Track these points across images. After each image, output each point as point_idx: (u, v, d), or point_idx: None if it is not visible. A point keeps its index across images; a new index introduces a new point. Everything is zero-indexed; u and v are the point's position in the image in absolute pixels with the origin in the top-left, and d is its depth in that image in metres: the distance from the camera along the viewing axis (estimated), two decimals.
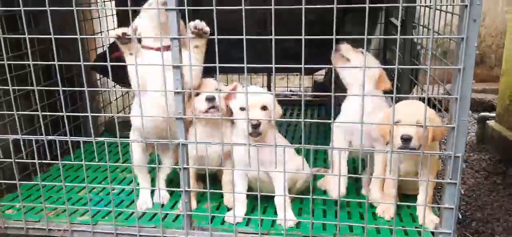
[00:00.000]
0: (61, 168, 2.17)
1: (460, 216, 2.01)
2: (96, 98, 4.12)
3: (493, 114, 5.05)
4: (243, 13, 1.82)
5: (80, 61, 2.01)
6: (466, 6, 1.68)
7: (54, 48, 1.97)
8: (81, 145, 2.14)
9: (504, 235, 3.36)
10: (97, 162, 2.12)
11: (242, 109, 2.21)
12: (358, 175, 2.56)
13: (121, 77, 4.15)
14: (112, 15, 3.89)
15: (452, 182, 1.91)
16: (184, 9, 1.87)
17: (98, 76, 4.00)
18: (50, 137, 2.16)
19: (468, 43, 1.72)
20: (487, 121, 5.03)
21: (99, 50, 3.90)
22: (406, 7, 3.14)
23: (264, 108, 2.19)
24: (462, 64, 1.75)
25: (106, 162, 2.13)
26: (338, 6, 1.75)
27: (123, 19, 4.08)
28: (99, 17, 3.74)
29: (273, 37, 1.86)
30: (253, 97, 2.15)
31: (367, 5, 1.69)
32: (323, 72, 4.72)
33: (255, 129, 2.12)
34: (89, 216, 2.28)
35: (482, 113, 5.23)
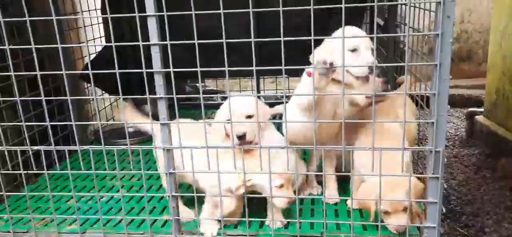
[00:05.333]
0: (47, 178, 2.17)
1: (444, 210, 2.03)
2: (85, 108, 4.12)
3: (481, 109, 5.10)
4: (222, 18, 1.84)
5: (64, 71, 2.02)
6: (440, 3, 1.71)
7: (36, 59, 1.98)
8: (66, 155, 2.14)
9: (493, 228, 3.39)
10: (83, 171, 2.12)
11: (228, 120, 2.24)
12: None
13: (110, 86, 4.22)
14: (98, 23, 3.89)
15: (434, 176, 1.94)
16: (163, 15, 1.88)
17: (86, 85, 4.02)
18: (35, 148, 2.17)
19: (444, 39, 1.75)
20: (476, 117, 5.08)
21: (87, 60, 3.91)
22: (388, 6, 3.19)
23: (249, 117, 2.21)
24: (438, 59, 1.78)
25: (95, 170, 2.13)
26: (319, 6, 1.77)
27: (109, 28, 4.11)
28: (84, 27, 3.73)
29: (252, 40, 1.89)
30: (237, 108, 2.19)
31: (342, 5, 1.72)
32: None
33: (242, 140, 2.16)
34: (77, 225, 2.28)
35: (470, 109, 5.28)
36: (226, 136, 2.27)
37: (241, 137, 2.16)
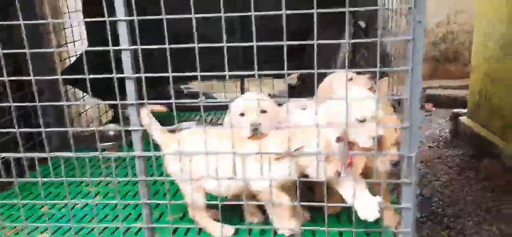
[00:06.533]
0: (16, 187, 2.13)
1: (418, 215, 2.02)
2: (66, 110, 4.06)
3: (465, 110, 5.12)
4: (194, 23, 1.82)
5: (42, 76, 1.99)
6: (411, 8, 1.69)
7: (3, 62, 1.94)
8: (36, 162, 2.10)
9: (474, 230, 3.40)
10: (52, 178, 2.07)
11: (241, 114, 2.23)
12: None
13: (91, 88, 4.16)
14: (78, 25, 3.84)
15: (408, 182, 1.92)
16: (134, 20, 1.85)
17: (68, 87, 3.97)
18: (3, 155, 2.12)
19: (415, 44, 1.74)
20: (460, 118, 5.10)
21: (68, 62, 3.87)
22: (368, 11, 3.18)
23: (262, 111, 2.19)
24: (410, 65, 1.76)
25: (66, 178, 2.08)
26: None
27: (91, 31, 4.07)
28: (63, 29, 3.70)
29: (225, 44, 1.86)
30: (252, 103, 2.19)
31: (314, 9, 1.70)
32: (295, 76, 4.74)
33: (255, 132, 2.14)
34: (49, 233, 2.23)
35: (454, 110, 5.31)
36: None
37: (255, 129, 2.14)
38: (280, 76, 4.76)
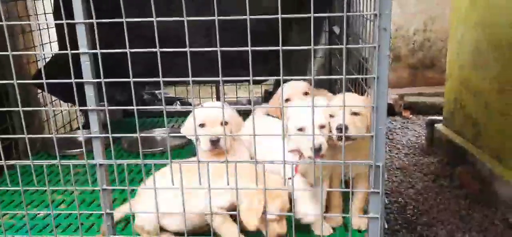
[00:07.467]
0: None
1: (386, 226, 2.00)
2: (37, 114, 3.95)
3: (441, 118, 5.15)
4: (155, 26, 1.76)
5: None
6: (376, 15, 1.67)
7: None
8: None
9: None
10: (10, 187, 1.98)
11: (201, 125, 2.17)
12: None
13: (63, 93, 4.05)
14: (47, 28, 3.73)
15: (375, 191, 1.89)
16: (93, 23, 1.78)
17: (39, 90, 3.87)
18: None
19: (380, 52, 1.71)
20: (436, 125, 5.13)
21: (41, 64, 3.76)
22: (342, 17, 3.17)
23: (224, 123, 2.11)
24: (376, 73, 1.74)
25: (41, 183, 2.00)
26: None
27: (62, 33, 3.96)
28: (31, 30, 3.59)
29: (188, 49, 1.81)
30: (213, 113, 2.12)
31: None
32: (272, 81, 4.70)
33: (215, 145, 2.08)
34: None
35: (430, 117, 5.34)
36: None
37: (215, 143, 2.07)
38: (256, 81, 4.75)
